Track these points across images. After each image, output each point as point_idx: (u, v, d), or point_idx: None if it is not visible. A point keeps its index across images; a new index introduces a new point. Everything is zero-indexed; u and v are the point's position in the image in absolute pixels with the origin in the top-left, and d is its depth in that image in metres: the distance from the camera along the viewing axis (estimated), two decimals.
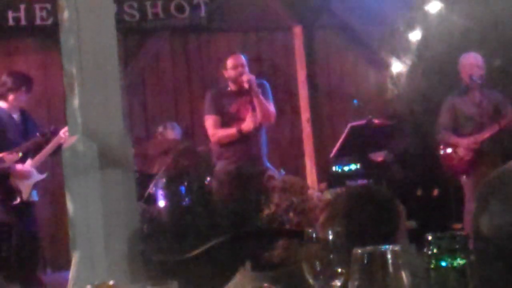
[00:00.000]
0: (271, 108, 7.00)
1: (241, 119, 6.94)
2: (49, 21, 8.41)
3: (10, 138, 7.02)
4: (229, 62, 7.04)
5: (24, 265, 6.94)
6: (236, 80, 6.96)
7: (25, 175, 7.00)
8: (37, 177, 7.10)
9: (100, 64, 3.63)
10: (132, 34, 8.77)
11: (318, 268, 1.80)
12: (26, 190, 6.97)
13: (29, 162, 7.04)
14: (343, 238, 1.79)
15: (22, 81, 7.16)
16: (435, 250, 1.44)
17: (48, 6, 8.42)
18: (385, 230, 2.29)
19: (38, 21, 8.52)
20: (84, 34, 3.59)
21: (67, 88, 3.78)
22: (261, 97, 6.88)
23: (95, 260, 3.49)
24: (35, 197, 7.15)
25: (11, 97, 7.07)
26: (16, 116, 7.14)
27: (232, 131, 6.90)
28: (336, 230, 1.81)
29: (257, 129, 6.92)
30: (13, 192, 6.92)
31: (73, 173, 3.69)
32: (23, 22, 8.51)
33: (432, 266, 1.45)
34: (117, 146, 3.67)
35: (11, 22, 8.49)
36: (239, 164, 6.53)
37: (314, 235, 1.84)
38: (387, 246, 1.43)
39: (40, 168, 7.15)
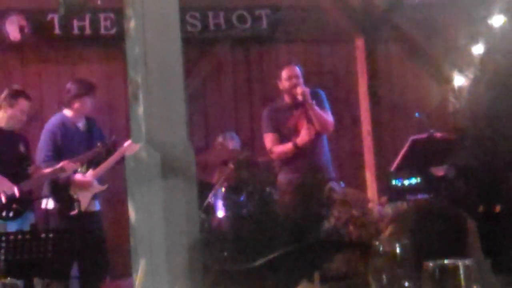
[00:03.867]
0: (328, 117, 6.94)
1: (300, 132, 6.90)
2: (113, 31, 8.50)
3: (73, 146, 7.02)
4: (284, 73, 7.00)
5: (90, 274, 6.95)
6: (290, 92, 6.92)
7: (85, 186, 6.95)
8: (98, 188, 7.08)
9: (165, 73, 3.64)
10: (194, 44, 8.81)
11: (385, 281, 1.78)
12: (85, 201, 6.92)
13: (90, 172, 7.03)
14: (410, 252, 1.76)
15: (87, 88, 7.18)
16: None
17: (112, 16, 8.51)
18: (453, 246, 2.25)
19: (102, 31, 8.61)
20: (150, 42, 3.61)
21: (132, 96, 3.79)
22: (316, 108, 6.81)
23: (156, 269, 3.50)
24: (96, 207, 7.13)
25: (76, 104, 7.09)
26: (81, 124, 7.15)
27: (288, 146, 6.86)
28: (404, 243, 1.78)
29: (314, 140, 6.87)
30: (72, 202, 6.89)
31: (136, 181, 3.71)
32: (87, 31, 8.62)
33: None
34: (180, 155, 3.68)
35: (76, 31, 8.59)
36: (302, 174, 6.49)
37: (381, 248, 1.82)
38: (459, 260, 1.40)
39: (101, 179, 7.15)
